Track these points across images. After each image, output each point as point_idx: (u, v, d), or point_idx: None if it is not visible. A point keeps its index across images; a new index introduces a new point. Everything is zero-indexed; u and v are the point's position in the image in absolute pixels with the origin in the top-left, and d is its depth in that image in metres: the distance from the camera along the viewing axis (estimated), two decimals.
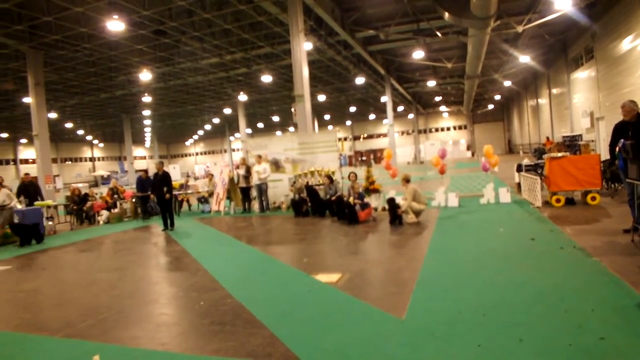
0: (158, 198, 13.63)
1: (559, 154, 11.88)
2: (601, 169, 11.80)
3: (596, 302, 4.79)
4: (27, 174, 16.47)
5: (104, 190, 22.13)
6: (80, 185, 40.78)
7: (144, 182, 16.61)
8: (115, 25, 18.61)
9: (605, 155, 12.47)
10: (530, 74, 41.94)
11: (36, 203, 15.07)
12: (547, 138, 31.99)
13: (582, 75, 27.48)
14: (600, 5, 21.69)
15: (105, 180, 62.89)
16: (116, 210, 17.32)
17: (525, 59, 29.92)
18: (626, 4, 19.35)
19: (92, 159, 76.91)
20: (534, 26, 22.77)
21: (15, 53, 22.86)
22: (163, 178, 13.50)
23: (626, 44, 19.69)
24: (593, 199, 11.44)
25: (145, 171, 17.95)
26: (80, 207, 17.28)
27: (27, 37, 20.75)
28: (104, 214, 16.98)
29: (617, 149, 7.54)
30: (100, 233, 14.31)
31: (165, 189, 13.31)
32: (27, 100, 24.10)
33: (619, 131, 7.55)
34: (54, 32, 20.51)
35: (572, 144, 16.31)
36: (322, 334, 4.61)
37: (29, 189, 15.56)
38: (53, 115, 37.41)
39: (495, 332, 4.27)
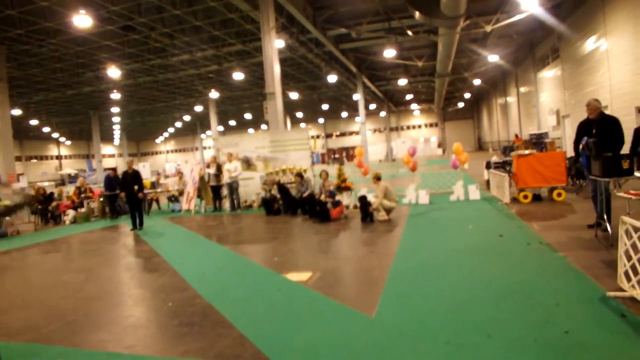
0: (128, 197, 13.34)
1: (526, 152, 12.11)
2: (567, 166, 12.07)
3: (561, 297, 4.89)
4: None
5: (70, 189, 21.67)
6: (46, 184, 39.80)
7: (112, 180, 16.30)
8: (82, 20, 18.18)
9: (570, 152, 12.78)
10: (499, 73, 42.64)
11: None
12: (516, 135, 32.54)
13: (549, 74, 28.08)
14: (565, 6, 22.19)
15: (72, 178, 61.54)
16: (83, 210, 16.95)
17: (494, 58, 30.40)
18: (590, 6, 19.83)
19: (58, 157, 75.08)
20: (502, 26, 23.14)
21: None
22: (133, 176, 13.28)
23: (590, 44, 20.18)
24: (559, 195, 11.69)
25: (114, 169, 17.62)
26: (45, 207, 16.87)
27: None
28: (71, 213, 16.61)
29: (580, 146, 7.71)
30: (66, 233, 13.99)
31: (136, 187, 13.12)
32: None
33: (583, 129, 7.71)
34: (18, 27, 19.92)
35: (538, 142, 16.64)
36: (292, 334, 4.59)
37: None
38: (17, 111, 36.37)
39: (464, 329, 4.32)
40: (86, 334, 5.06)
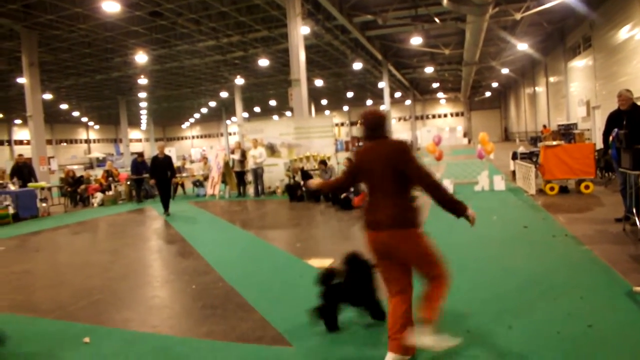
0: (160, 182, 12.92)
1: (554, 143, 11.90)
2: (595, 158, 11.83)
3: (586, 290, 4.83)
4: (20, 155, 16.37)
5: (99, 172, 22.09)
6: (75, 167, 40.66)
7: (139, 165, 16.54)
8: (111, 5, 18.37)
9: (600, 144, 12.55)
10: (528, 62, 41.77)
11: (30, 185, 15.02)
12: (544, 126, 31.98)
13: (580, 64, 27.41)
14: None
15: (100, 162, 62.66)
16: (110, 193, 17.28)
17: (523, 46, 29.75)
18: None
19: (87, 141, 76.52)
20: (532, 14, 22.63)
21: (10, 32, 22.60)
22: (166, 162, 12.99)
23: (624, 33, 19.61)
24: (587, 187, 11.48)
25: (141, 154, 17.81)
26: (74, 189, 17.24)
27: (21, 16, 20.50)
28: (99, 196, 16.93)
29: (610, 138, 7.55)
30: (94, 215, 14.29)
31: (169, 173, 12.97)
32: (21, 80, 23.85)
33: (613, 120, 7.56)
34: (49, 12, 20.25)
35: (567, 133, 16.33)
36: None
37: (23, 171, 15.49)
38: (48, 96, 37.11)
39: (485, 319, 4.30)
40: (112, 313, 5.19)
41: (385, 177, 3.52)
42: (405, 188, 3.61)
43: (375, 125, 3.65)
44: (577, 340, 3.77)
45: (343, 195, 11.90)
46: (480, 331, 4.05)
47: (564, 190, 11.87)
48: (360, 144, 3.83)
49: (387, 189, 3.54)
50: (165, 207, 13.11)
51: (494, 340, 3.87)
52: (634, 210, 6.99)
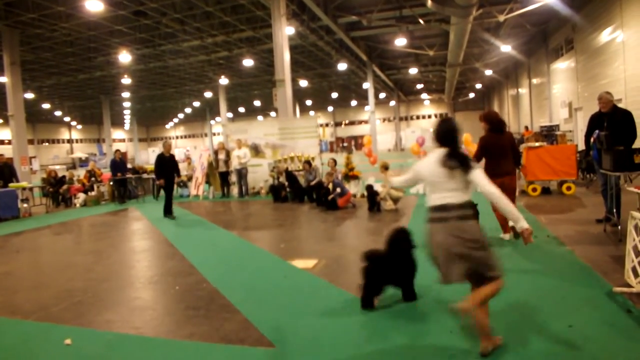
0: (167, 183, 12.20)
1: (536, 144, 12.03)
2: (577, 159, 11.98)
3: (567, 291, 4.90)
4: (1, 155, 16.08)
5: (81, 172, 21.83)
6: (57, 167, 40.16)
7: (118, 163, 16.34)
8: (94, 4, 18.14)
9: (582, 145, 12.71)
10: (511, 64, 42.17)
11: (11, 185, 14.80)
12: (526, 127, 32.28)
13: (562, 66, 27.74)
14: None
15: (83, 162, 61.96)
16: (93, 193, 17.08)
17: (506, 48, 30.05)
18: None
19: (70, 141, 75.60)
20: (516, 16, 22.86)
21: None
22: (173, 161, 12.35)
23: (605, 35, 19.89)
24: (568, 188, 11.62)
25: (119, 150, 17.40)
26: (56, 190, 17.02)
27: (2, 14, 20.18)
28: (81, 196, 16.73)
29: (592, 139, 7.65)
30: (77, 216, 14.11)
31: (174, 174, 12.36)
32: (2, 79, 23.49)
33: (595, 122, 7.65)
34: (31, 10, 19.97)
35: (549, 134, 16.52)
36: (295, 320, 4.63)
37: (4, 171, 15.23)
38: (30, 95, 36.57)
39: (466, 319, 4.32)
40: (94, 315, 5.13)
41: (508, 150, 6.89)
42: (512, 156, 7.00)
43: (498, 123, 7.05)
44: (557, 340, 3.81)
45: (330, 197, 11.91)
46: (461, 331, 4.07)
47: (546, 191, 12.01)
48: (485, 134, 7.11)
49: (507, 156, 6.88)
50: (170, 208, 12.46)
51: (476, 340, 3.89)
52: (615, 211, 7.10)
